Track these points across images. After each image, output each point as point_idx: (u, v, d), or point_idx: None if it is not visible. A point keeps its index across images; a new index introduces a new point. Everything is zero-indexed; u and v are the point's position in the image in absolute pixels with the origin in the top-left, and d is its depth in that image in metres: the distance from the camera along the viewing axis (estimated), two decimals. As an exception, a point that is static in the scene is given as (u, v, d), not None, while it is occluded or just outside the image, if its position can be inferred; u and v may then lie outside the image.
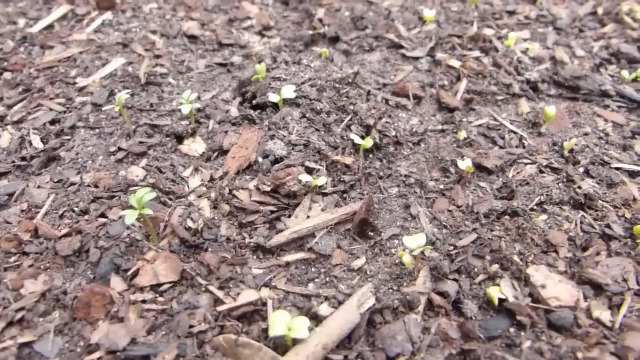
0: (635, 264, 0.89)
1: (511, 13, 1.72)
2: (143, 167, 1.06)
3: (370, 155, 1.13)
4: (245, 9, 1.67)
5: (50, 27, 1.57)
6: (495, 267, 0.87)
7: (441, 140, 1.18)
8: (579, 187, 1.02)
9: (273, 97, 1.16)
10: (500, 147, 1.17)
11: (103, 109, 1.20)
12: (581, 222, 0.96)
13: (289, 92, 1.15)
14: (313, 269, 0.90)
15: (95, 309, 0.82)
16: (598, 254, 0.91)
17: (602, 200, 1.01)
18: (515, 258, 0.88)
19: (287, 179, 0.98)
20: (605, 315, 0.82)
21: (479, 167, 1.11)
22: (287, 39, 1.54)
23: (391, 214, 1.01)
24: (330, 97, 1.19)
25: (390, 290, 0.86)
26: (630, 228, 0.95)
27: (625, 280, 0.87)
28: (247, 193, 1.00)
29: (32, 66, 1.38)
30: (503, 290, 0.83)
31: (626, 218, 0.98)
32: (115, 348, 0.76)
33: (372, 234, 0.96)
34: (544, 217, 0.97)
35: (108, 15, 1.62)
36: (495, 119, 1.25)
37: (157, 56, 1.43)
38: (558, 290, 0.83)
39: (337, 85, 1.23)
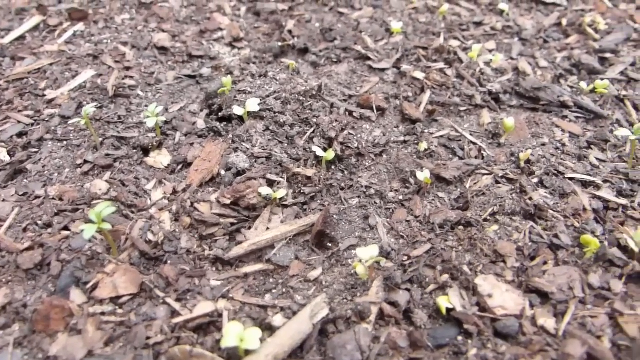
0: (581, 273, 0.93)
1: (478, 24, 1.76)
2: (106, 181, 1.08)
3: (333, 167, 1.15)
4: (216, 20, 1.69)
5: (21, 38, 1.59)
6: (445, 277, 0.90)
7: (402, 152, 1.21)
8: (530, 198, 1.06)
9: (238, 110, 1.18)
10: (460, 158, 1.20)
11: (71, 121, 1.22)
12: (530, 233, 0.99)
13: (253, 105, 1.17)
14: (271, 280, 0.93)
15: (55, 321, 0.83)
16: (545, 263, 0.94)
17: (553, 211, 1.04)
18: (465, 268, 0.91)
19: (247, 192, 1.00)
20: (549, 323, 0.85)
21: (438, 178, 1.14)
22: (257, 51, 1.57)
23: (350, 225, 1.04)
24: (295, 109, 1.22)
25: (345, 301, 0.89)
26: (578, 237, 0.99)
27: (571, 288, 0.90)
28: (209, 206, 1.02)
29: (2, 78, 1.39)
30: (451, 299, 0.87)
31: (575, 227, 1.01)
32: (72, 360, 0.78)
33: (330, 245, 0.99)
34: (495, 227, 1.00)
35: (80, 26, 1.63)
36: (456, 130, 1.28)
37: (127, 68, 1.45)
38: (504, 299, 0.87)
39: (301, 98, 1.26)
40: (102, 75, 1.41)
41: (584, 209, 1.05)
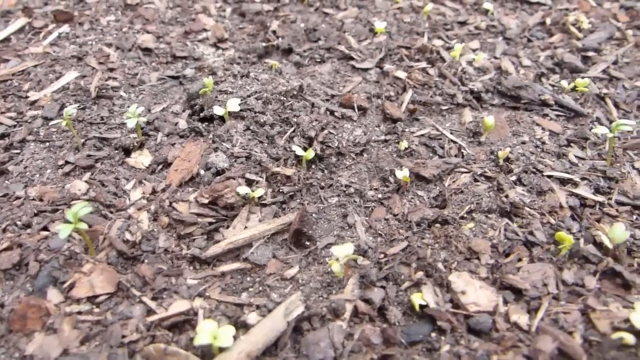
0: (556, 269, 0.94)
1: (462, 24, 1.77)
2: (86, 181, 1.09)
3: (313, 166, 1.16)
4: (201, 21, 1.70)
5: (7, 40, 1.59)
6: (420, 274, 0.91)
7: (382, 151, 1.22)
8: (506, 196, 1.06)
9: (218, 110, 1.19)
10: (440, 157, 1.21)
11: (53, 122, 1.22)
12: (505, 230, 1.00)
13: (233, 105, 1.18)
14: (248, 279, 0.93)
15: (31, 321, 0.84)
16: (520, 260, 0.95)
17: (529, 208, 1.05)
18: (440, 265, 0.92)
19: (225, 192, 1.01)
20: (523, 319, 0.86)
21: (417, 177, 1.15)
22: (242, 51, 1.58)
23: (329, 224, 1.05)
24: (275, 109, 1.23)
25: (321, 298, 0.90)
26: (554, 234, 1.00)
27: (545, 285, 0.91)
28: (187, 205, 1.02)
29: (-14, 80, 1.40)
30: (425, 296, 0.87)
31: (551, 225, 1.02)
32: (47, 359, 0.79)
33: (308, 243, 1.00)
34: (471, 225, 1.01)
35: (65, 28, 1.64)
36: (437, 129, 1.29)
37: (111, 69, 1.45)
38: (478, 296, 0.87)
39: (282, 97, 1.27)
40: (86, 77, 1.42)
41: (561, 206, 1.06)
